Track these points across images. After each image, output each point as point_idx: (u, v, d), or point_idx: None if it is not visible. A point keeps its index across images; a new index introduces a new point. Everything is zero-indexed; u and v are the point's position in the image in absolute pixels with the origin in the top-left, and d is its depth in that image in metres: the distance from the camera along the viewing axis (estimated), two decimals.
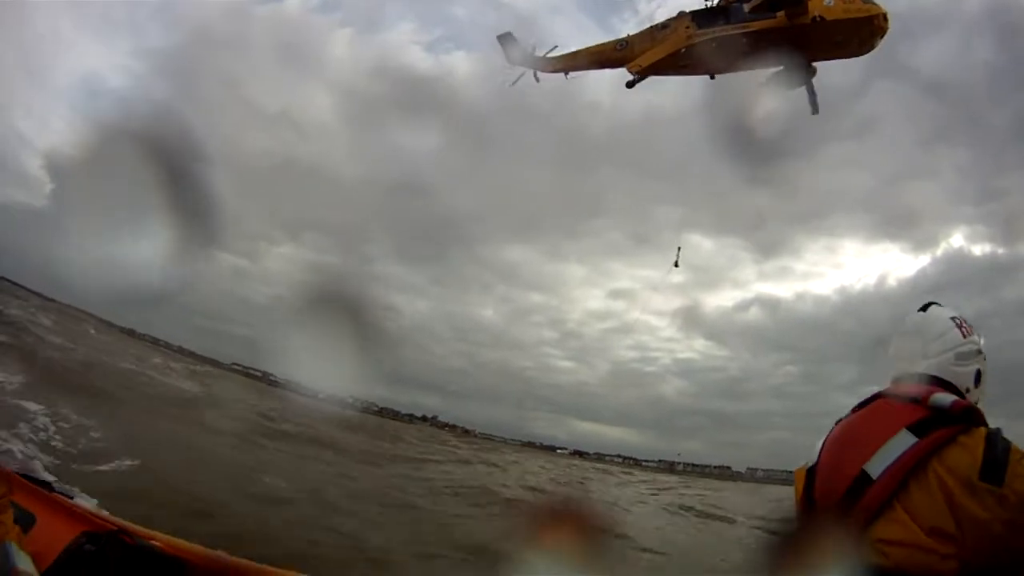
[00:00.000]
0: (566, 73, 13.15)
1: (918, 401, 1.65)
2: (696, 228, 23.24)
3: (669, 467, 28.74)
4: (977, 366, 1.81)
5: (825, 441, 1.77)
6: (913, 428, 1.60)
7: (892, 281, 23.95)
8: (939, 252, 24.23)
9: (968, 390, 1.77)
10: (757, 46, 11.44)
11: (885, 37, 11.14)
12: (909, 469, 1.56)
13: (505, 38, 13.05)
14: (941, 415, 1.61)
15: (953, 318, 1.85)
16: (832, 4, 11.03)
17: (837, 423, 1.80)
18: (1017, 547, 1.46)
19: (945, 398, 1.63)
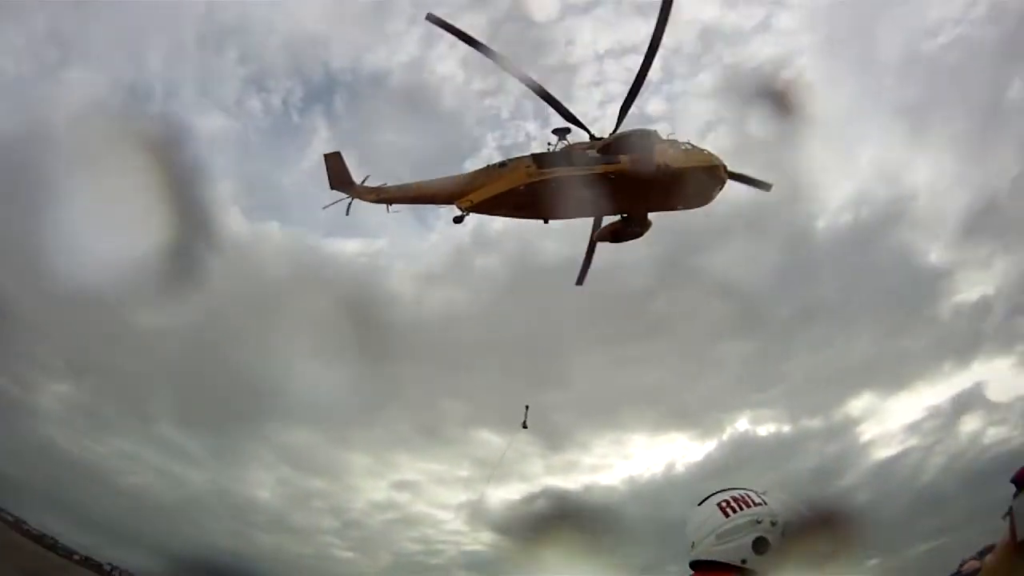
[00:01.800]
0: (388, 205, 11.72)
1: None
2: (483, 424, 22.22)
3: None
4: (754, 535, 1.92)
5: None
6: None
7: (680, 467, 24.35)
8: (725, 436, 25.19)
9: (745, 561, 1.89)
10: (599, 189, 10.73)
11: (722, 191, 10.96)
12: None
13: (332, 158, 11.45)
14: None
15: (720, 503, 2.00)
16: (676, 153, 10.77)
17: None
18: None
19: None
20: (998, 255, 22.17)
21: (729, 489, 2.06)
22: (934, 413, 21.47)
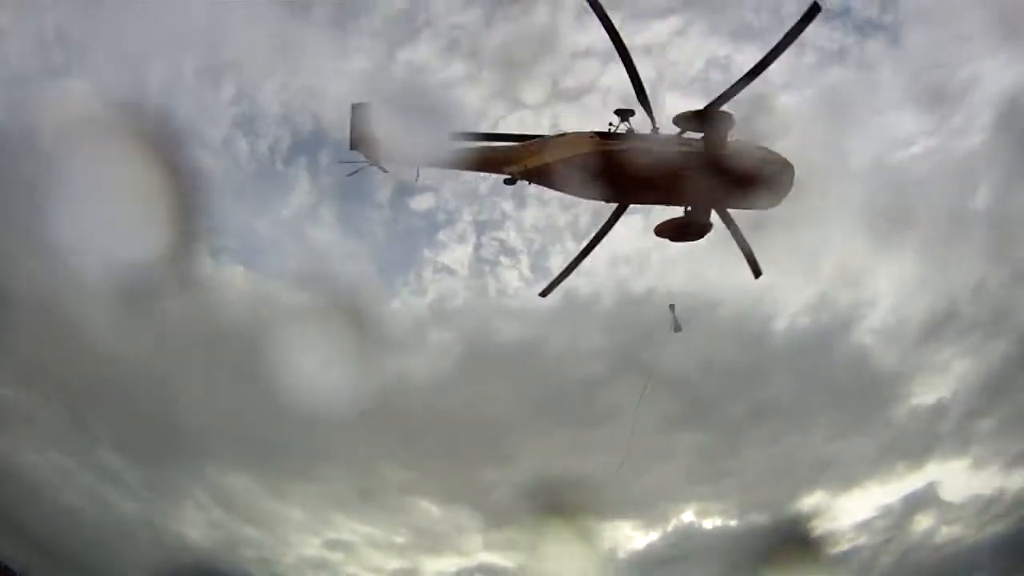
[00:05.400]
0: (418, 171, 10.41)
1: None
2: (425, 494, 21.51)
3: None
4: None
5: None
6: None
7: (621, 554, 23.96)
8: (670, 527, 25.02)
9: None
10: (671, 170, 9.95)
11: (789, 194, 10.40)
12: None
13: (361, 110, 10.05)
14: None
15: None
16: (749, 144, 10.17)
17: None
18: None
19: None
20: (956, 359, 23.04)
21: None
22: (886, 512, 21.94)
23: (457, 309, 21.62)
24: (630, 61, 9.61)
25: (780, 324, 23.09)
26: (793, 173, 10.22)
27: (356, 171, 10.19)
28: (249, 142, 21.33)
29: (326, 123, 19.58)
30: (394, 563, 22.64)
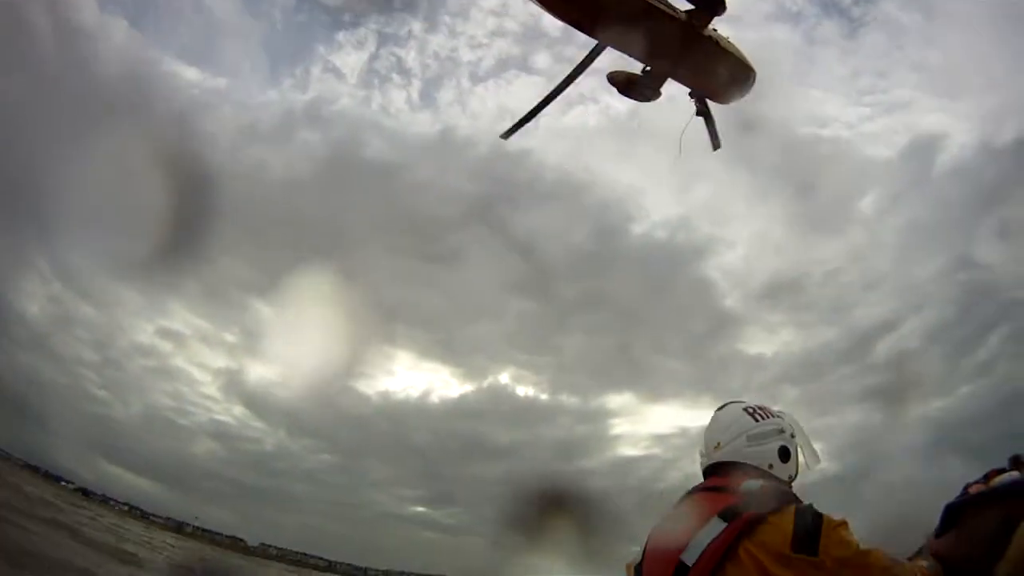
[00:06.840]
0: None
1: (727, 490, 1.77)
2: (261, 295, 21.45)
3: (178, 527, 26.65)
4: (779, 443, 1.94)
5: (647, 539, 1.86)
6: (723, 514, 1.69)
7: (435, 398, 25.91)
8: (485, 383, 27.19)
9: (772, 466, 1.90)
10: (649, 22, 9.92)
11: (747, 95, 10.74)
12: (722, 553, 1.64)
13: None
14: (753, 501, 1.69)
15: (745, 408, 2.01)
16: (725, 38, 10.31)
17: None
18: None
19: (754, 483, 1.76)
20: (786, 327, 25.43)
21: (741, 401, 2.05)
22: (682, 433, 24.06)
23: (334, 113, 20.79)
24: None
25: (638, 227, 23.78)
26: (754, 82, 10.51)
27: None
28: None
29: None
30: (220, 361, 22.55)
